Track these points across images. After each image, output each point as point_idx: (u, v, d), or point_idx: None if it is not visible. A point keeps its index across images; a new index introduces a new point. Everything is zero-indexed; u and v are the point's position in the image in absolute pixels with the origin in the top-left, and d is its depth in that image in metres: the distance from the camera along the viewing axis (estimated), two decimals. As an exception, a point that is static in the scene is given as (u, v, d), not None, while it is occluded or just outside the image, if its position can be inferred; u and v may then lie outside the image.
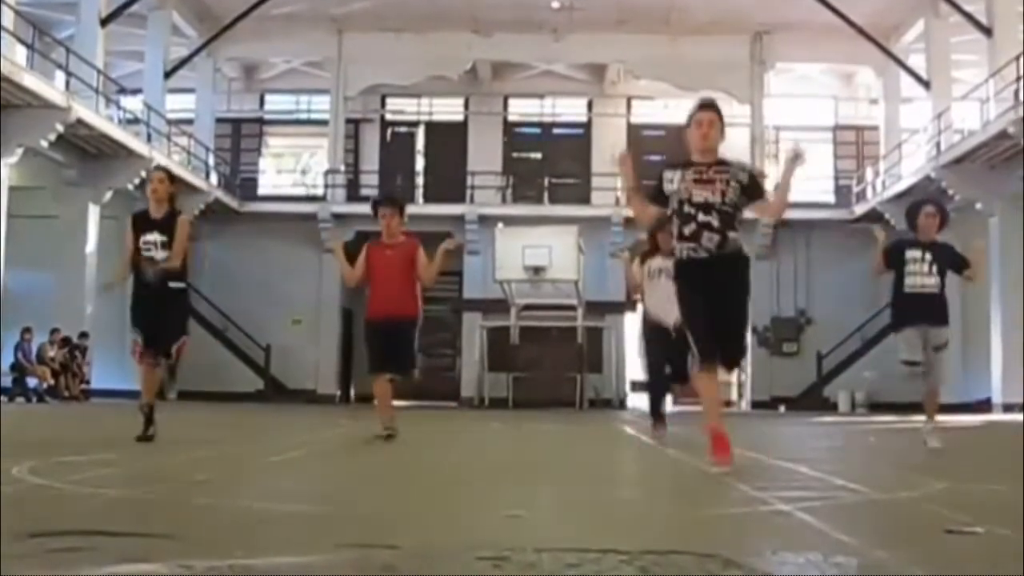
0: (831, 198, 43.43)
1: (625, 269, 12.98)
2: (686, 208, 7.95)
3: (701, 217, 7.88)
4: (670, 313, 11.52)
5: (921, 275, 11.36)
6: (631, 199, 8.57)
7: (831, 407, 37.67)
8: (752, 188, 8.25)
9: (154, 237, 10.72)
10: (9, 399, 29.33)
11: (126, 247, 10.88)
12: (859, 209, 39.76)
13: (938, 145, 33.99)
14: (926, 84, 37.52)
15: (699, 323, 7.93)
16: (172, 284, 10.90)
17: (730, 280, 8.00)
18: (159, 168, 11.56)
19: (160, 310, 10.85)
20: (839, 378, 39.51)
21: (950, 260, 11.53)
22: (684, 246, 7.96)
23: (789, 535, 4.75)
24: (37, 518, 4.80)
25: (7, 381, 30.54)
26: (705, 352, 7.91)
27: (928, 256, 11.37)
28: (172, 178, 11.34)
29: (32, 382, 31.04)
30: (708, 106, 8.44)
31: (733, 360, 8.28)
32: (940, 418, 11.70)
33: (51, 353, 31.62)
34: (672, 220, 8.09)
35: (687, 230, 7.92)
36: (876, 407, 36.71)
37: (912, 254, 11.40)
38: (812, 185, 43.82)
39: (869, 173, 40.88)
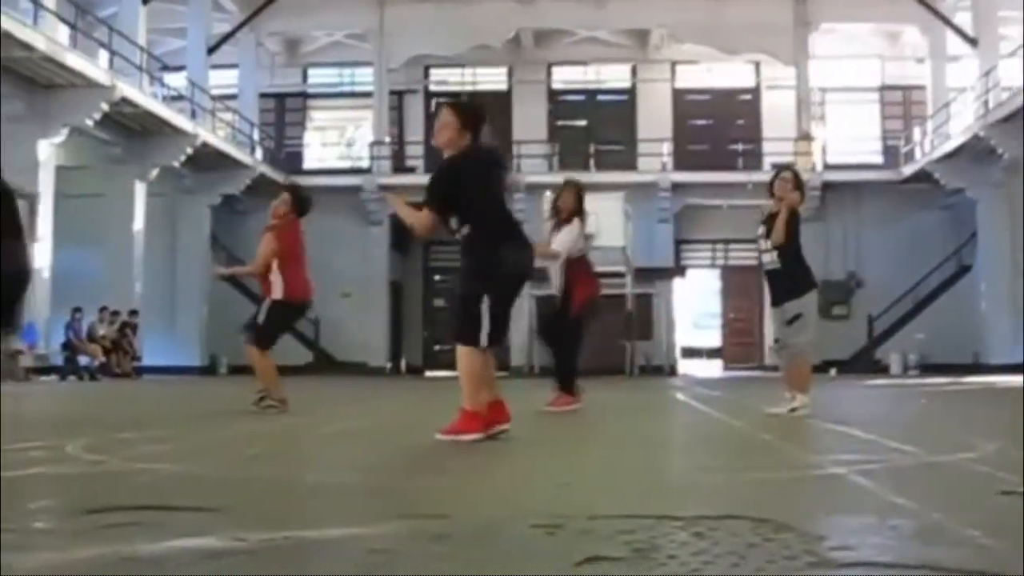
0: (879, 159, 43.11)
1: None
2: None
3: None
4: None
5: (761, 251, 11.11)
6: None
7: (883, 369, 37.50)
8: None
9: None
10: (62, 378, 29.58)
11: None
12: (907, 170, 39.46)
13: (986, 103, 33.69)
14: (973, 42, 37.18)
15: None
16: None
17: None
18: None
19: None
20: (891, 340, 39.30)
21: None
22: None
23: (843, 498, 4.73)
24: (93, 495, 4.83)
25: (59, 360, 30.76)
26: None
27: (761, 229, 11.07)
28: None
29: (84, 360, 31.26)
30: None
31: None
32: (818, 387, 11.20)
33: (102, 331, 31.83)
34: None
35: None
36: (928, 369, 36.55)
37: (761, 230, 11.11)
38: (860, 146, 43.60)
39: (917, 133, 40.55)
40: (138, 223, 33.19)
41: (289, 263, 11.90)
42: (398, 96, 44.28)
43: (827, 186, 39.38)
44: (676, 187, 39.88)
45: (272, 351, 12.01)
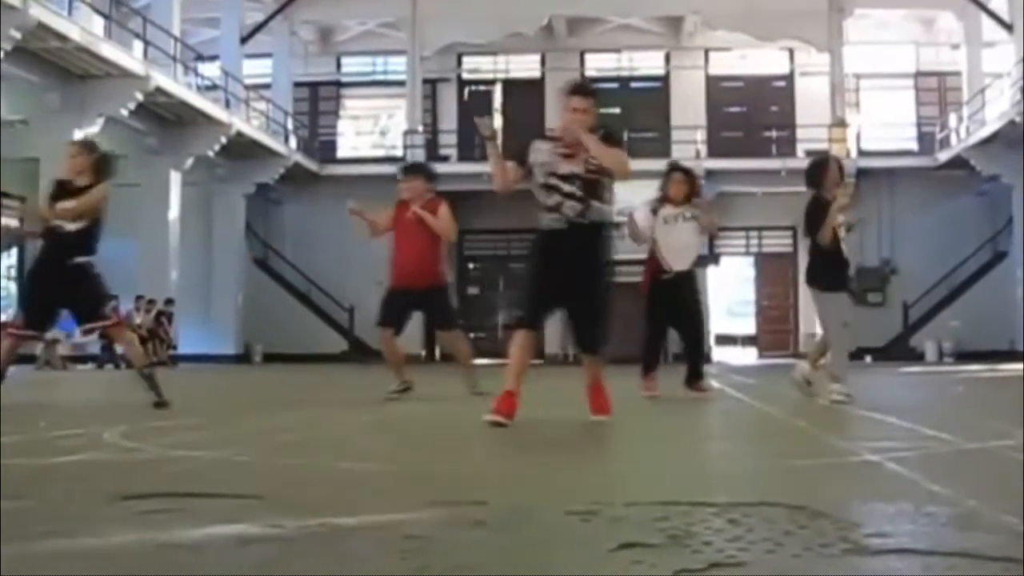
0: (914, 145, 42.90)
1: (629, 224, 12.71)
2: (551, 180, 8.18)
3: (565, 188, 8.13)
4: (683, 259, 11.86)
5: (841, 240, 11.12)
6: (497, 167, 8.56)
7: (918, 357, 37.39)
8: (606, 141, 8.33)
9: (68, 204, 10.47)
10: (99, 366, 29.76)
11: (41, 208, 10.60)
12: (943, 156, 39.28)
13: (1023, 89, 33.48)
14: (1008, 27, 36.95)
15: (534, 292, 8.41)
16: (76, 260, 10.58)
17: (582, 257, 8.33)
18: (74, 142, 11.09)
19: (60, 289, 10.53)
20: (926, 327, 39.17)
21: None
22: (546, 217, 8.23)
23: (879, 485, 4.73)
24: (130, 481, 4.86)
25: (96, 348, 30.92)
26: (526, 316, 8.40)
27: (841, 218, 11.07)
28: (91, 148, 11.00)
29: (120, 349, 31.40)
30: (585, 92, 8.47)
31: (590, 349, 8.70)
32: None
33: (138, 320, 31.98)
34: (539, 192, 8.29)
35: (550, 201, 8.17)
36: (963, 356, 36.41)
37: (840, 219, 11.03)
38: (894, 133, 43.39)
39: (952, 119, 40.33)
40: (173, 212, 33.34)
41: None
42: (431, 85, 44.29)
43: (861, 173, 39.18)
44: (710, 174, 39.67)
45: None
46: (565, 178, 8.10)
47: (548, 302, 8.34)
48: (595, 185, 8.19)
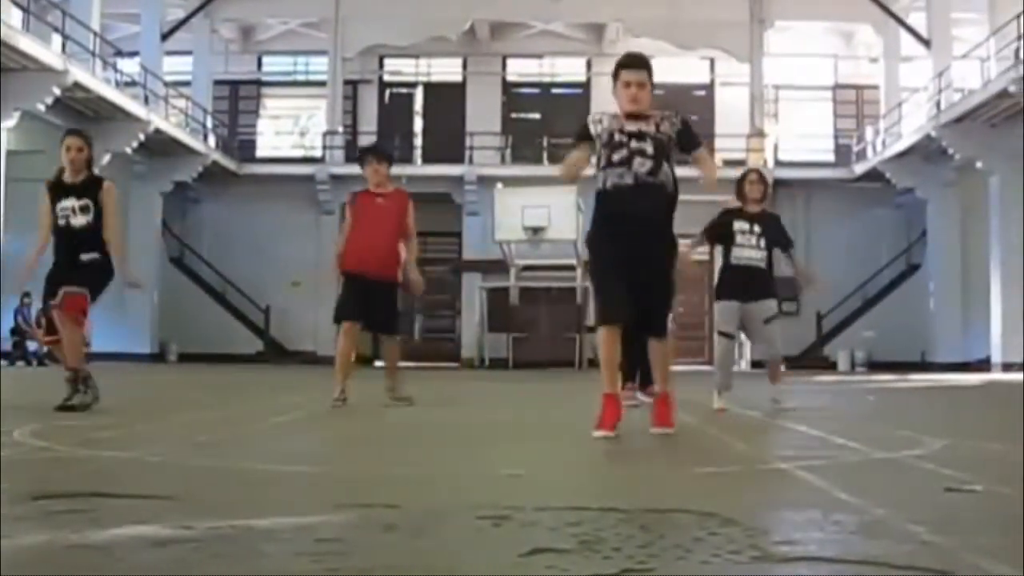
0: (831, 157, 43.36)
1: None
2: (617, 137, 7.53)
3: (634, 144, 7.48)
4: None
5: (748, 247, 11.17)
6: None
7: (831, 366, 37.72)
8: (685, 136, 7.92)
9: (71, 203, 10.31)
10: (10, 363, 29.40)
11: (44, 216, 10.52)
12: (859, 168, 39.74)
13: (938, 104, 33.93)
14: (926, 43, 37.41)
15: (611, 276, 7.51)
16: (85, 256, 10.47)
17: (653, 219, 7.66)
18: (73, 133, 10.87)
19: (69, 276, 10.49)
20: (839, 337, 39.55)
21: (776, 234, 11.34)
22: (611, 172, 7.58)
23: (788, 493, 4.76)
24: (39, 481, 4.82)
25: (7, 345, 30.56)
26: (609, 312, 7.46)
27: (756, 228, 11.19)
28: (89, 143, 10.82)
29: (32, 346, 31.06)
30: (639, 64, 7.71)
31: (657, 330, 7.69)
32: (795, 378, 11.76)
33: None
34: (600, 154, 7.66)
35: (617, 156, 7.51)
36: (875, 366, 36.82)
37: (740, 226, 11.21)
38: (812, 144, 43.83)
39: (869, 132, 40.79)
40: (89, 209, 33.00)
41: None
42: (352, 86, 44.17)
43: (778, 183, 39.48)
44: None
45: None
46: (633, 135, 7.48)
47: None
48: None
